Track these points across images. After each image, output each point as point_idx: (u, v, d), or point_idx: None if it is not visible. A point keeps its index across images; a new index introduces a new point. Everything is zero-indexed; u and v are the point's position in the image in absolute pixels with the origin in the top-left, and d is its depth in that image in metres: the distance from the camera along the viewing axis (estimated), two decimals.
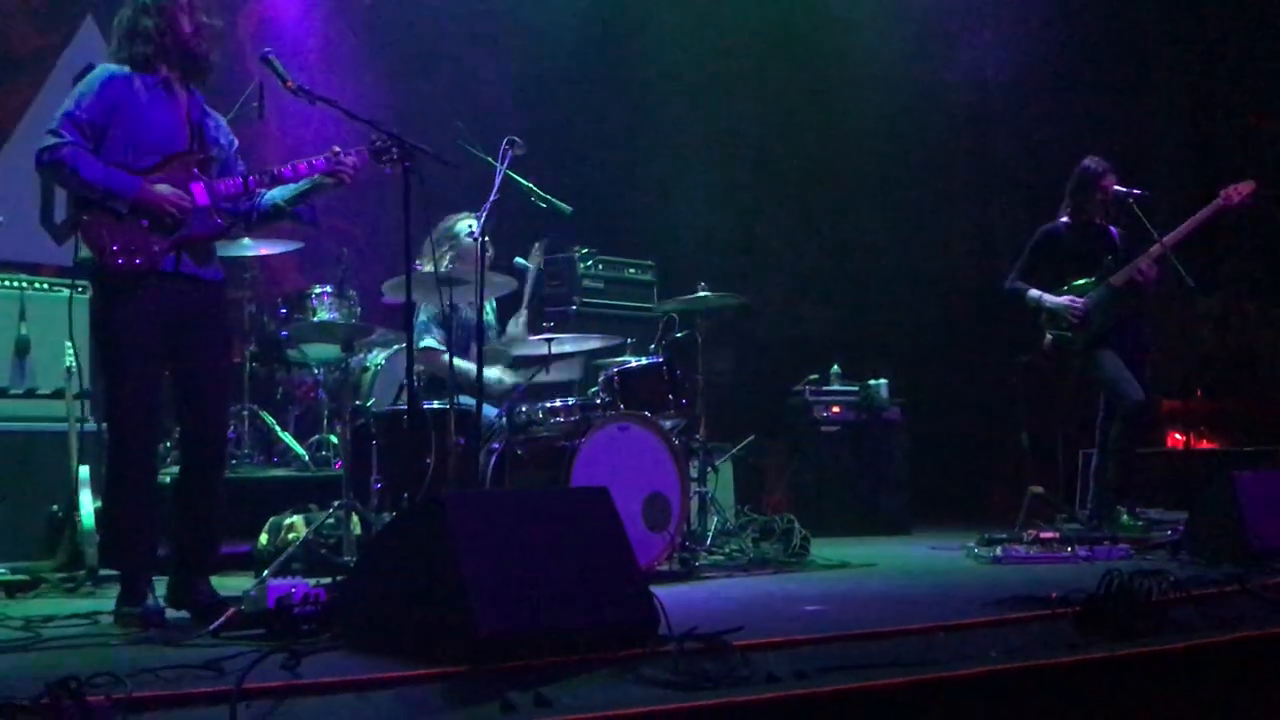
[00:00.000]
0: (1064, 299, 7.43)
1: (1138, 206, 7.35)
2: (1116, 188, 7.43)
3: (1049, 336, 7.53)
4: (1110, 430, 7.32)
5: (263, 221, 5.21)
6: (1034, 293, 7.53)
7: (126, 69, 4.72)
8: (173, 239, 4.66)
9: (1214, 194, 7.38)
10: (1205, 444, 9.94)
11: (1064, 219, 7.63)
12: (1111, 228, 7.59)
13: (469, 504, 3.92)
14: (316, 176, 4.97)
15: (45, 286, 6.43)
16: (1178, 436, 9.88)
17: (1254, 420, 9.90)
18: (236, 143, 5.07)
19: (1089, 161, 7.60)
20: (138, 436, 4.68)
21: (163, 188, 4.64)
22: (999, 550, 6.53)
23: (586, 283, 8.15)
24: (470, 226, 6.57)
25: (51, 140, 4.57)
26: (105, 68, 4.74)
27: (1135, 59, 10.60)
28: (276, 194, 5.03)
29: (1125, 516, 7.18)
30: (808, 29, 10.58)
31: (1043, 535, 6.67)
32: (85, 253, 4.64)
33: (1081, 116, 10.31)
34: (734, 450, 8.13)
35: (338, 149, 4.97)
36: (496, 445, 6.21)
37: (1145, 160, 10.07)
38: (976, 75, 10.93)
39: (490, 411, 6.46)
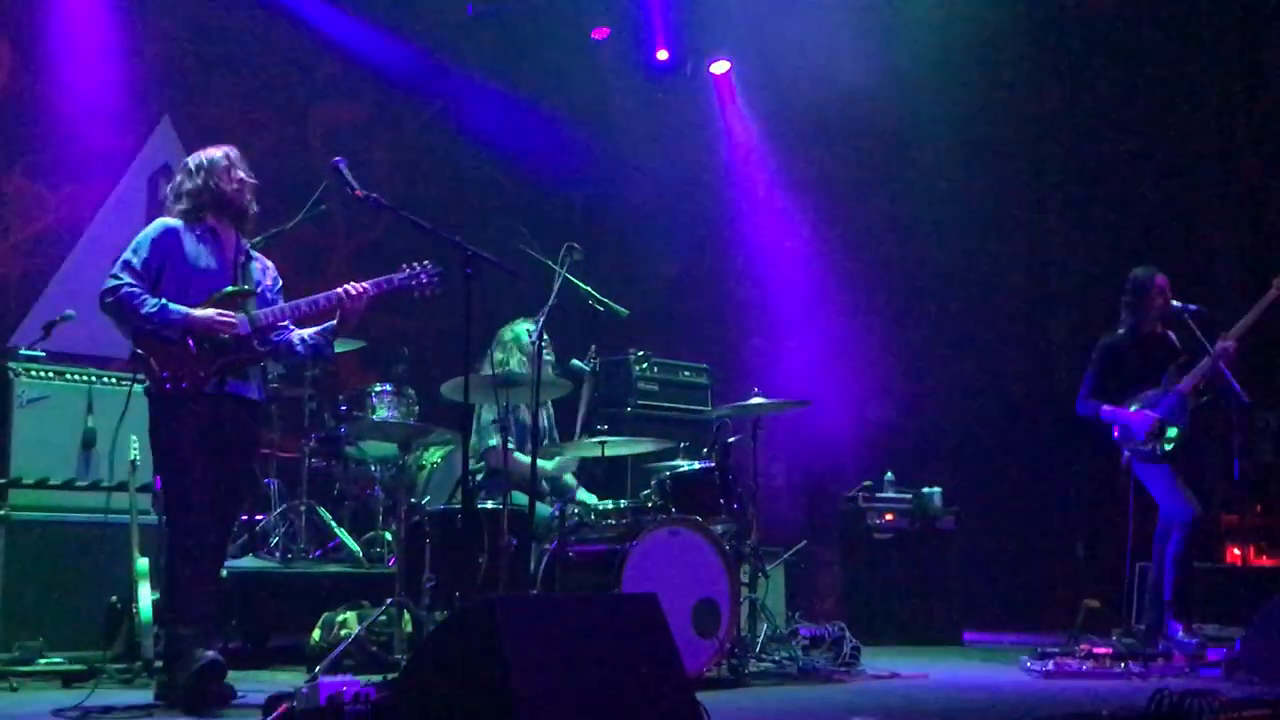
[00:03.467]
0: (1136, 414, 7.37)
1: (1195, 322, 7.33)
2: (1174, 303, 7.42)
3: (1126, 454, 7.43)
4: (1166, 544, 7.25)
5: (281, 357, 5.76)
6: (1107, 408, 7.45)
7: (180, 222, 5.39)
8: (216, 365, 5.22)
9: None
10: (1265, 560, 9.79)
11: (1121, 331, 7.63)
12: (1170, 333, 7.57)
13: (518, 608, 3.97)
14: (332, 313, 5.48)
15: (112, 380, 6.59)
16: (1236, 552, 9.74)
17: None
18: (281, 282, 5.62)
19: (1139, 272, 7.61)
20: (196, 536, 5.17)
21: (209, 311, 5.24)
22: (1051, 664, 6.47)
23: (641, 385, 8.20)
24: (529, 331, 6.69)
25: (112, 283, 5.24)
26: (161, 221, 5.43)
27: (1189, 166, 10.62)
28: (299, 334, 5.55)
29: (1181, 633, 7.09)
30: (866, 137, 10.70)
31: (1096, 650, 6.59)
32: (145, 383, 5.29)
33: (1136, 225, 10.33)
34: (786, 555, 8.12)
35: (351, 285, 5.43)
36: (548, 546, 6.26)
37: (1202, 263, 10.06)
38: (1031, 185, 11.01)
39: (548, 512, 6.55)
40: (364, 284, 5.44)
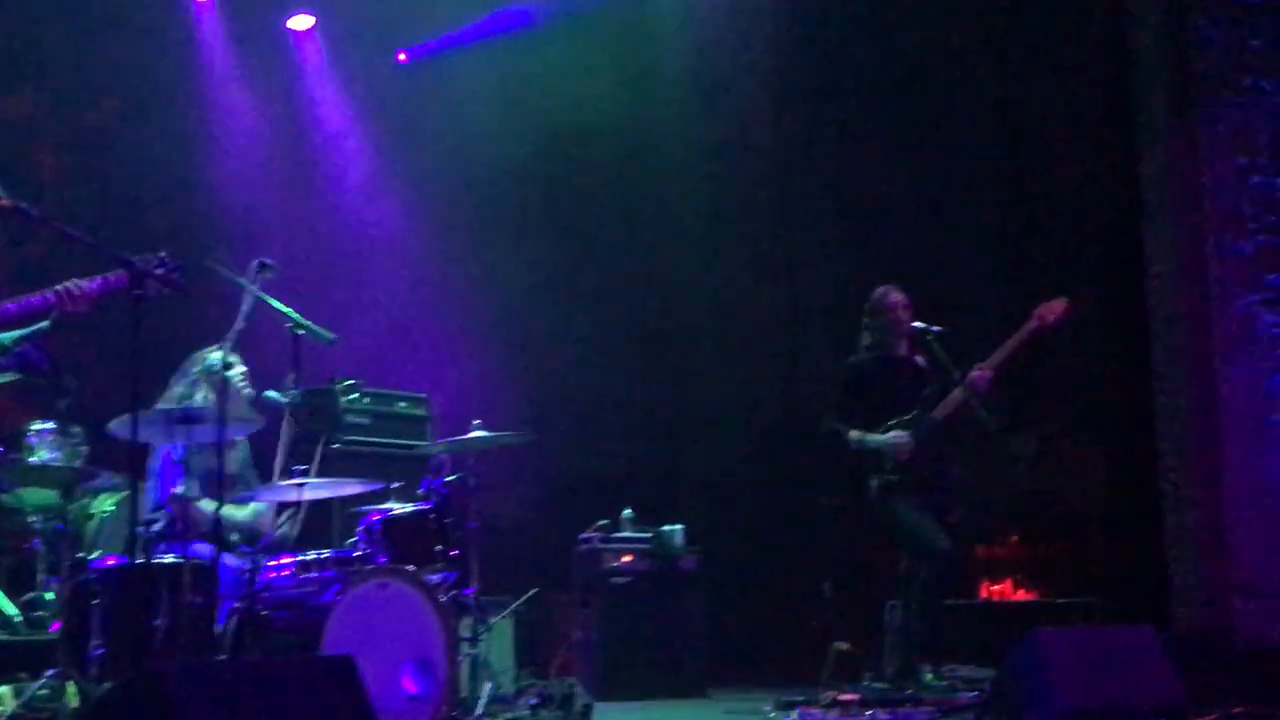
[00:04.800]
0: (890, 437, 7.45)
1: (939, 343, 7.54)
2: (914, 324, 7.62)
3: (874, 482, 7.48)
4: (914, 583, 7.41)
5: None
6: (855, 434, 7.51)
7: None
8: None
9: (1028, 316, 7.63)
10: (1022, 594, 10.15)
11: (865, 351, 7.80)
12: (917, 358, 7.77)
13: (193, 677, 3.82)
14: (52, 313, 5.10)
15: None
16: (992, 587, 10.07)
17: (1072, 568, 10.14)
18: None
19: (879, 291, 7.80)
20: None
21: None
22: (795, 714, 6.57)
23: (349, 418, 8.00)
24: (222, 359, 6.46)
25: None
26: None
27: (946, 192, 11.03)
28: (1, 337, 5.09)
29: (930, 675, 7.26)
30: (603, 166, 10.82)
31: (841, 697, 6.74)
32: None
33: (892, 250, 10.66)
34: (515, 605, 8.02)
35: (71, 282, 5.07)
36: (238, 605, 6.04)
37: (959, 288, 10.43)
38: (783, 208, 11.29)
39: (236, 565, 6.33)
40: (89, 281, 5.06)
